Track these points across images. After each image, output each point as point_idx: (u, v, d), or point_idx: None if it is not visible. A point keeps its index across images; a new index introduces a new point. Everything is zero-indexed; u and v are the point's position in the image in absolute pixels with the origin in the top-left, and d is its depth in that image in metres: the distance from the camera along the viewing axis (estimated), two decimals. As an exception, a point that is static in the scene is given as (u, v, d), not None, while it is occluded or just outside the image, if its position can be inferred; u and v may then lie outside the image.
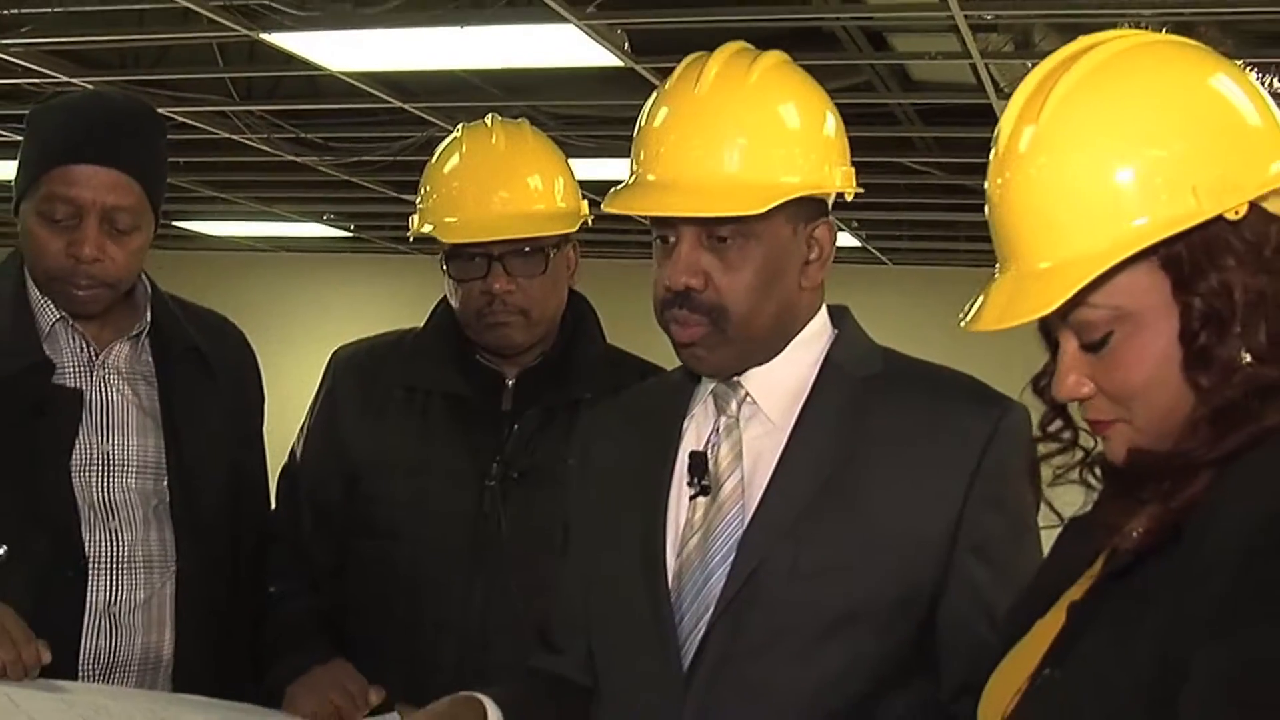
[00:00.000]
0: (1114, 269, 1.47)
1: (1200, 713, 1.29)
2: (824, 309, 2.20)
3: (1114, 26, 1.63)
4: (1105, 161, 1.49)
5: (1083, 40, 1.58)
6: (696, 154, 2.06)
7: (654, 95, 2.15)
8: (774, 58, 2.13)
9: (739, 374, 2.13)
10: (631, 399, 2.37)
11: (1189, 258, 1.46)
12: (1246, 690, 1.27)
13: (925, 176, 8.78)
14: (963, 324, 1.60)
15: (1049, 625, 1.59)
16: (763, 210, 2.01)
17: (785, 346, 2.14)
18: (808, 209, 2.10)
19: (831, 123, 2.14)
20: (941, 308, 10.74)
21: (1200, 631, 1.32)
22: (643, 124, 2.13)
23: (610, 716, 2.19)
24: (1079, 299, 1.49)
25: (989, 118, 6.97)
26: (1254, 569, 1.31)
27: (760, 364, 2.13)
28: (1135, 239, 1.46)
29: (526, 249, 2.72)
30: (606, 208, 2.16)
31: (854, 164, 2.21)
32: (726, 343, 2.08)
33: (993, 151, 1.58)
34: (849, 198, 2.16)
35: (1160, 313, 1.49)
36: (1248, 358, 1.45)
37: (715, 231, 2.05)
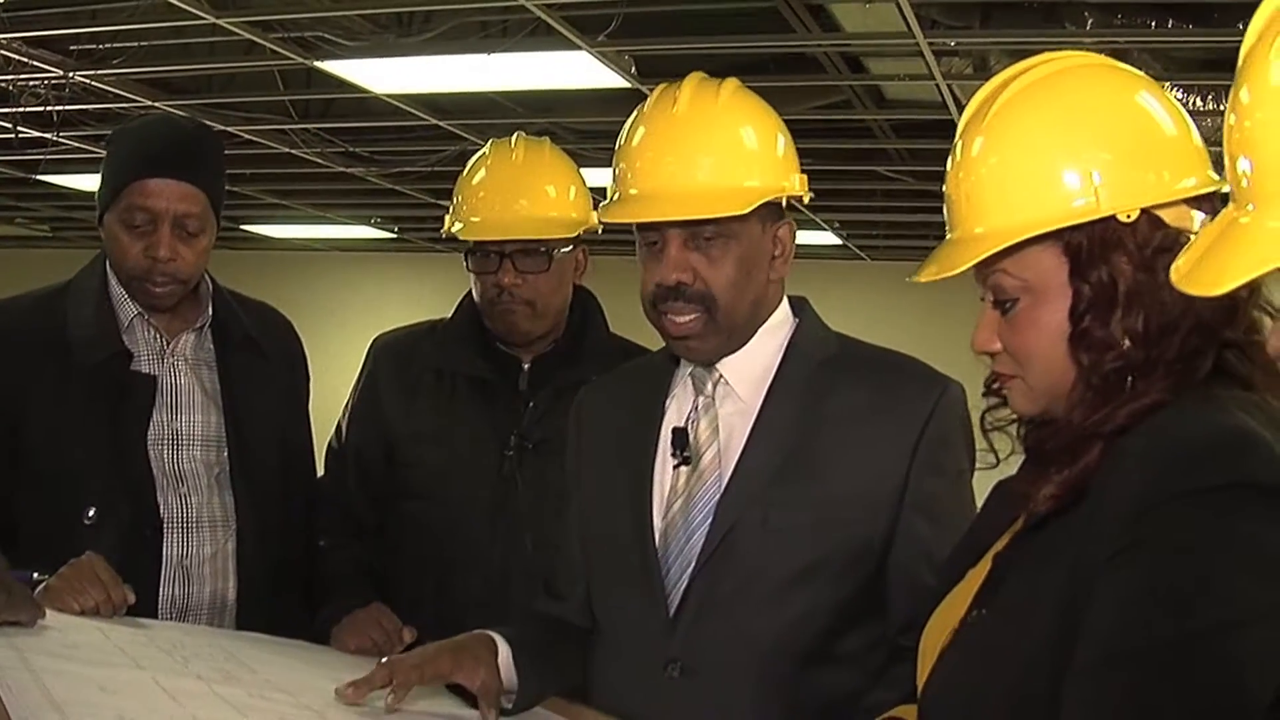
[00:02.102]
0: (1026, 245, 1.53)
1: (1097, 626, 1.36)
2: (786, 300, 2.23)
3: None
4: (1029, 159, 1.55)
5: (1028, 61, 1.63)
6: (674, 167, 2.09)
7: (631, 119, 2.18)
8: (734, 84, 2.17)
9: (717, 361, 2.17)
10: (619, 379, 2.40)
11: (1086, 248, 1.52)
12: (1134, 611, 1.34)
13: (897, 183, 8.74)
14: (908, 279, 1.67)
15: (978, 573, 1.64)
16: (746, 210, 2.06)
17: (754, 335, 2.18)
18: (772, 212, 2.14)
19: (782, 138, 2.18)
20: (911, 298, 10.79)
21: (1101, 568, 1.39)
22: (623, 143, 2.16)
23: (609, 655, 2.23)
24: (993, 263, 1.56)
25: (952, 132, 6.95)
26: (1137, 526, 1.37)
27: (734, 351, 2.17)
28: (1042, 223, 1.52)
29: (540, 249, 2.76)
30: (603, 219, 2.20)
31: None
32: (716, 331, 2.12)
33: (951, 153, 1.64)
34: (805, 200, 2.19)
35: (1058, 292, 1.55)
36: (1127, 342, 1.50)
37: (700, 233, 2.09)
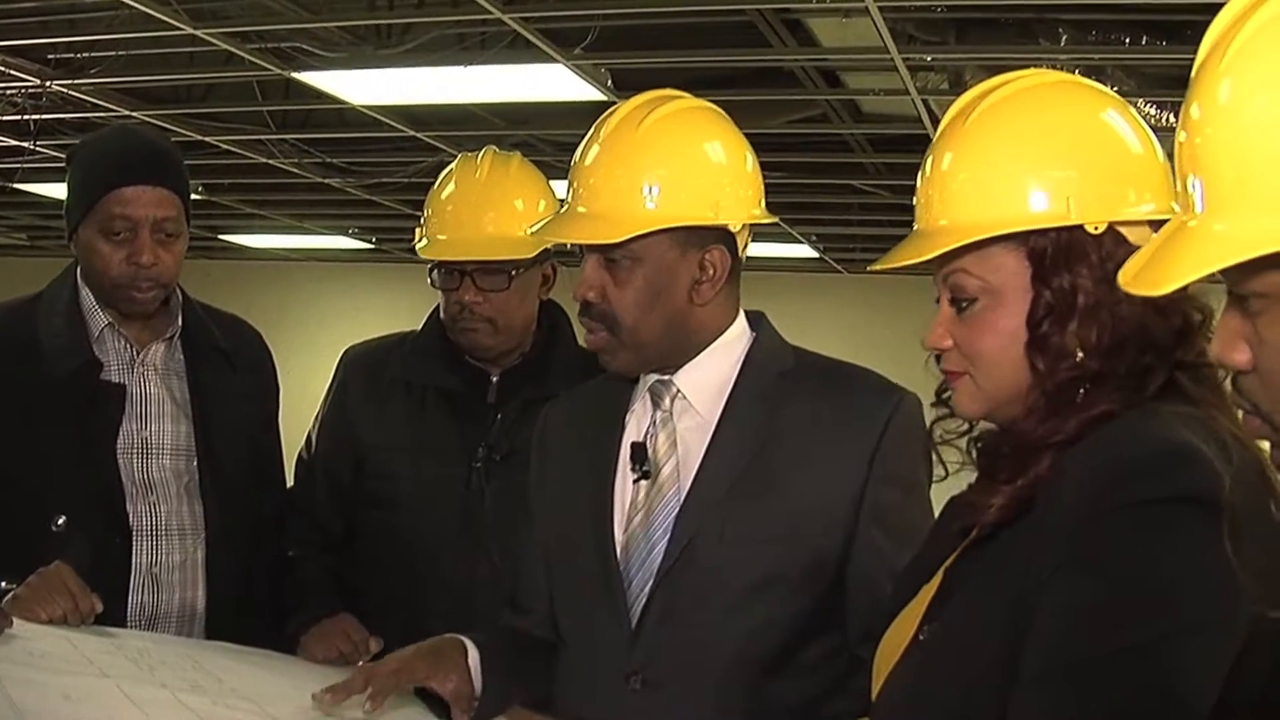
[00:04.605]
0: (990, 246, 1.57)
1: (1041, 639, 1.40)
2: (742, 315, 2.24)
3: (1034, 68, 1.71)
4: (1004, 162, 1.59)
5: (1004, 76, 1.67)
6: (583, 191, 2.14)
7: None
8: (675, 108, 2.17)
9: (662, 374, 2.20)
10: (581, 395, 2.41)
11: (1050, 254, 1.55)
12: (1075, 624, 1.38)
13: (874, 196, 8.76)
14: (869, 269, 1.74)
15: (930, 588, 1.66)
16: (618, 240, 2.09)
17: (697, 352, 2.19)
18: (700, 236, 2.14)
19: (714, 165, 2.17)
20: (887, 310, 10.86)
21: (1046, 581, 1.41)
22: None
23: (572, 667, 2.25)
24: (955, 261, 1.59)
25: (929, 146, 6.98)
26: (1079, 540, 1.40)
27: (673, 366, 2.19)
28: (1008, 223, 1.56)
29: (501, 268, 2.78)
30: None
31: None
32: (623, 348, 2.16)
33: (923, 167, 1.68)
34: (735, 227, 2.16)
35: (1018, 295, 1.57)
36: (1080, 352, 1.53)
37: (609, 254, 2.12)
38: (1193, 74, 1.17)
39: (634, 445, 2.19)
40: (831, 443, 2.13)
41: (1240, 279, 1.16)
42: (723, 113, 2.25)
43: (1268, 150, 1.07)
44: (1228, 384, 1.49)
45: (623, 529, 2.17)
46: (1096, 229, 1.55)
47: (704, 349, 2.20)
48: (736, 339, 2.23)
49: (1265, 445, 1.28)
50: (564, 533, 2.27)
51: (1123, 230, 1.56)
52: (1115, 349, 1.53)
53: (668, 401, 2.20)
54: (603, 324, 2.15)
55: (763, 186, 2.24)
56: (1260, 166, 1.08)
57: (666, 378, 2.20)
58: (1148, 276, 1.18)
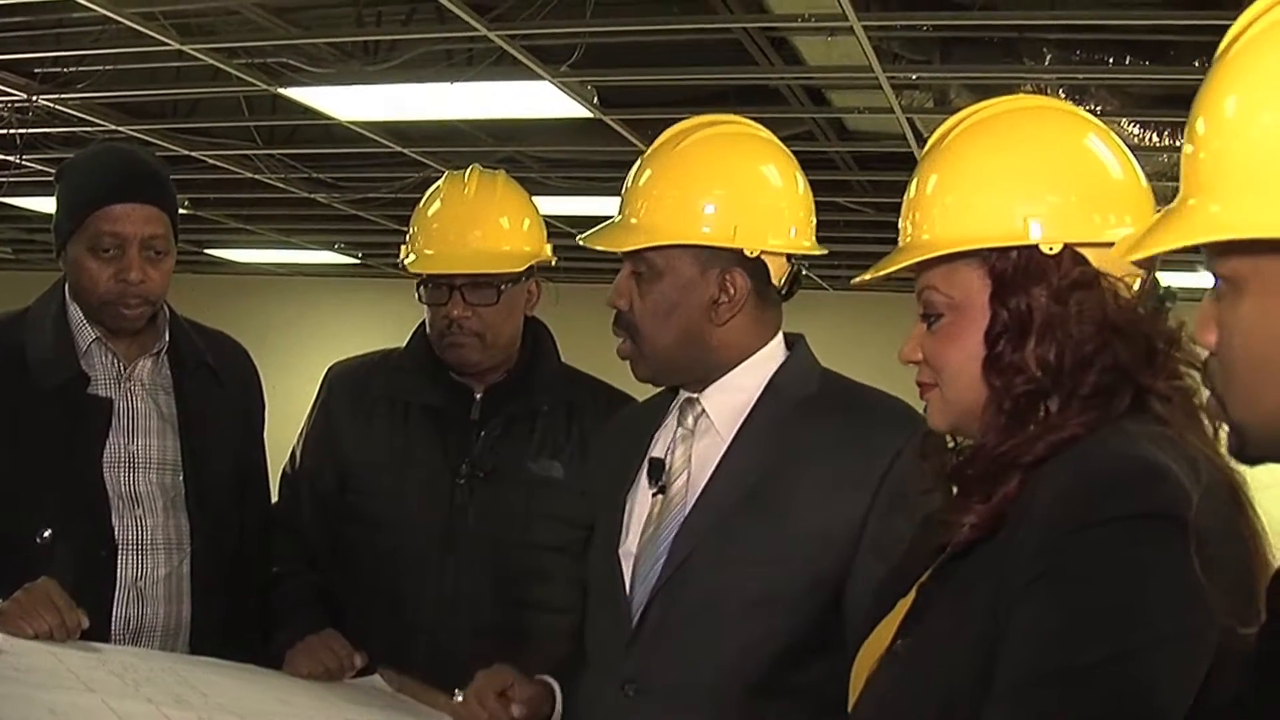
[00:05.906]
0: (957, 263, 1.62)
1: (1012, 653, 1.42)
2: (779, 337, 2.27)
3: (1018, 87, 1.76)
4: (969, 183, 1.65)
5: (993, 99, 1.72)
6: (628, 201, 2.22)
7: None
8: (717, 131, 2.24)
9: (692, 392, 2.25)
10: (627, 415, 2.51)
11: (1010, 274, 1.59)
12: (1047, 637, 1.40)
13: (860, 214, 8.83)
14: (851, 283, 1.75)
15: (906, 603, 1.69)
16: (626, 250, 2.18)
17: (723, 371, 2.23)
18: (722, 257, 2.17)
19: (756, 187, 2.22)
20: (873, 327, 10.83)
21: (1017, 596, 1.44)
22: None
23: (583, 672, 2.32)
24: (926, 277, 1.66)
25: (914, 163, 7.00)
26: (1050, 555, 1.43)
27: (699, 382, 2.24)
28: (968, 241, 1.61)
29: (489, 282, 2.80)
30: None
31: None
32: (643, 358, 2.22)
33: (908, 188, 1.74)
34: (750, 253, 2.17)
35: (980, 313, 1.62)
36: (1039, 371, 1.56)
37: (636, 266, 2.18)
38: (1208, 81, 1.22)
39: (652, 460, 2.24)
40: (840, 469, 2.14)
41: (1210, 261, 1.21)
42: (775, 141, 2.30)
43: (1240, 140, 1.13)
44: (1204, 394, 1.54)
45: (637, 540, 2.22)
46: (1052, 249, 1.58)
47: (731, 369, 2.23)
48: (764, 362, 2.25)
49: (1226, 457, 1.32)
50: (595, 544, 2.34)
51: (1085, 252, 1.59)
52: (1077, 368, 1.55)
53: (691, 419, 2.25)
54: (627, 332, 2.23)
55: (807, 217, 2.28)
56: (1240, 155, 1.13)
57: (695, 396, 2.25)
58: (1137, 244, 1.24)
